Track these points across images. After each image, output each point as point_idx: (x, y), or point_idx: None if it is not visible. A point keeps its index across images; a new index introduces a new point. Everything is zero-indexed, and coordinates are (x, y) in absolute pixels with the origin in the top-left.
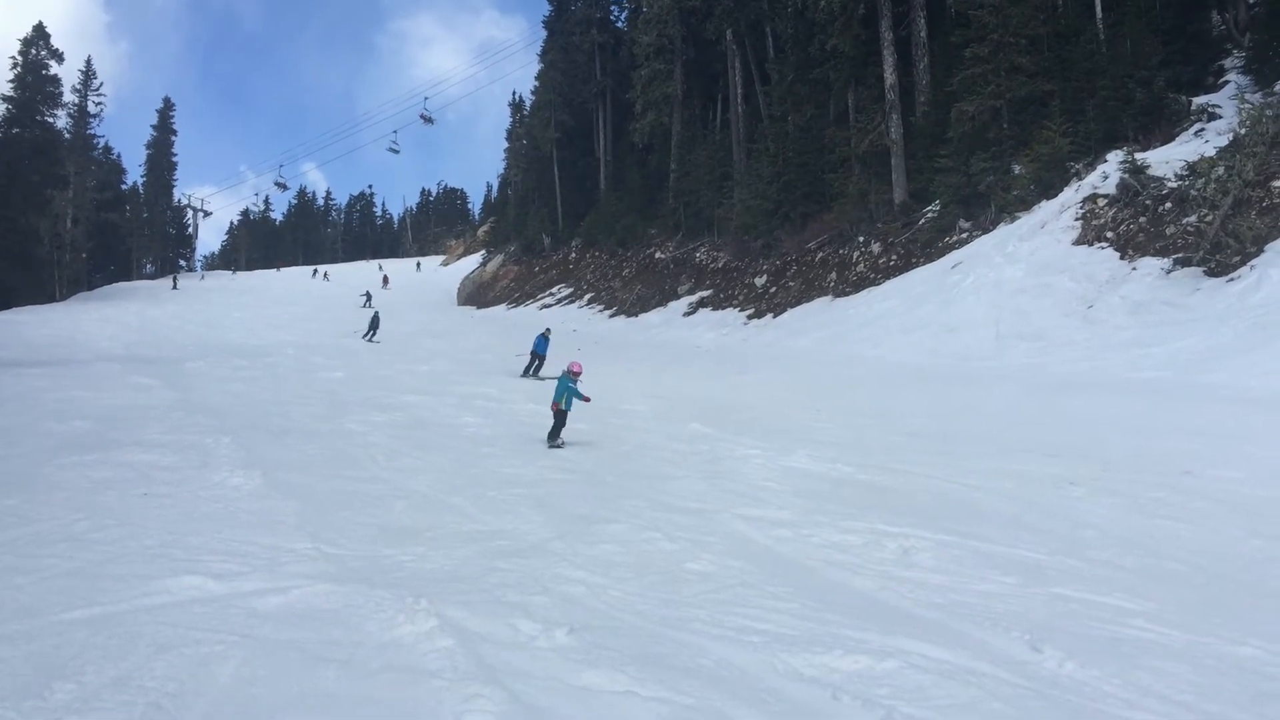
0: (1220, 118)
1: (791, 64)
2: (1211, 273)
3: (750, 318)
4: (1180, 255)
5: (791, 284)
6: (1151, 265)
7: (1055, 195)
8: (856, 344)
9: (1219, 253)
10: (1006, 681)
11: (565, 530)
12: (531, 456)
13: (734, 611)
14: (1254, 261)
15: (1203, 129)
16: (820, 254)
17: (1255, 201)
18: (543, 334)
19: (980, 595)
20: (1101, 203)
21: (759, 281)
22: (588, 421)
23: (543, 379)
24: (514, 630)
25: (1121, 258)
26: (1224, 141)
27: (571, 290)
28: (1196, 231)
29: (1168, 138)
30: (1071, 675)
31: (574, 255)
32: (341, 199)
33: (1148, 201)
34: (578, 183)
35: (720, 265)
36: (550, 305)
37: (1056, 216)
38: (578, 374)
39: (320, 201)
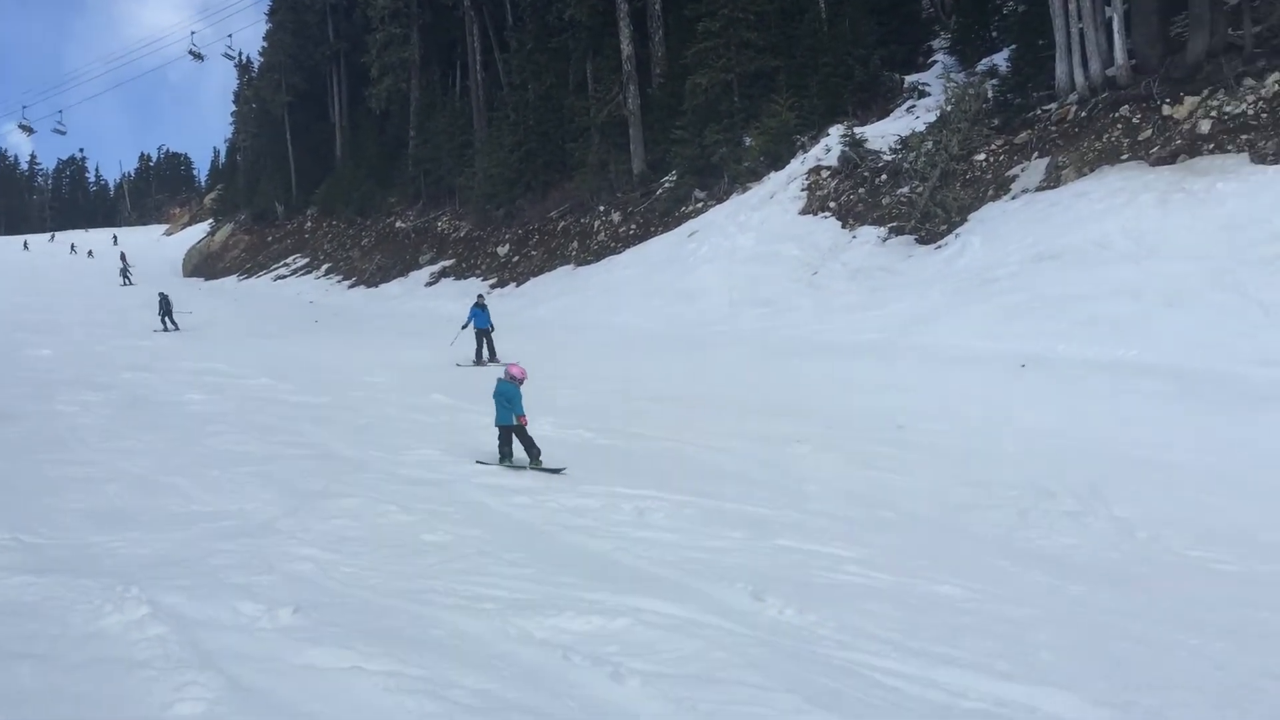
0: (929, 95)
1: (531, 32)
2: (922, 241)
3: (493, 287)
4: (895, 224)
5: (534, 253)
6: (870, 234)
7: (783, 167)
8: (598, 312)
9: (928, 222)
10: (730, 631)
11: (295, 507)
12: (263, 432)
13: (469, 580)
14: (958, 230)
15: (914, 105)
16: (562, 223)
17: (960, 174)
18: (478, 304)
19: (710, 551)
20: (825, 174)
21: (501, 251)
22: (325, 394)
23: (502, 363)
24: (235, 613)
25: (843, 227)
26: (933, 118)
27: (308, 260)
28: (909, 202)
29: (884, 113)
30: (790, 621)
31: (310, 224)
32: (49, 163)
33: (866, 173)
34: (312, 149)
35: (462, 234)
36: (285, 276)
37: (784, 187)
38: (521, 380)
39: (24, 165)
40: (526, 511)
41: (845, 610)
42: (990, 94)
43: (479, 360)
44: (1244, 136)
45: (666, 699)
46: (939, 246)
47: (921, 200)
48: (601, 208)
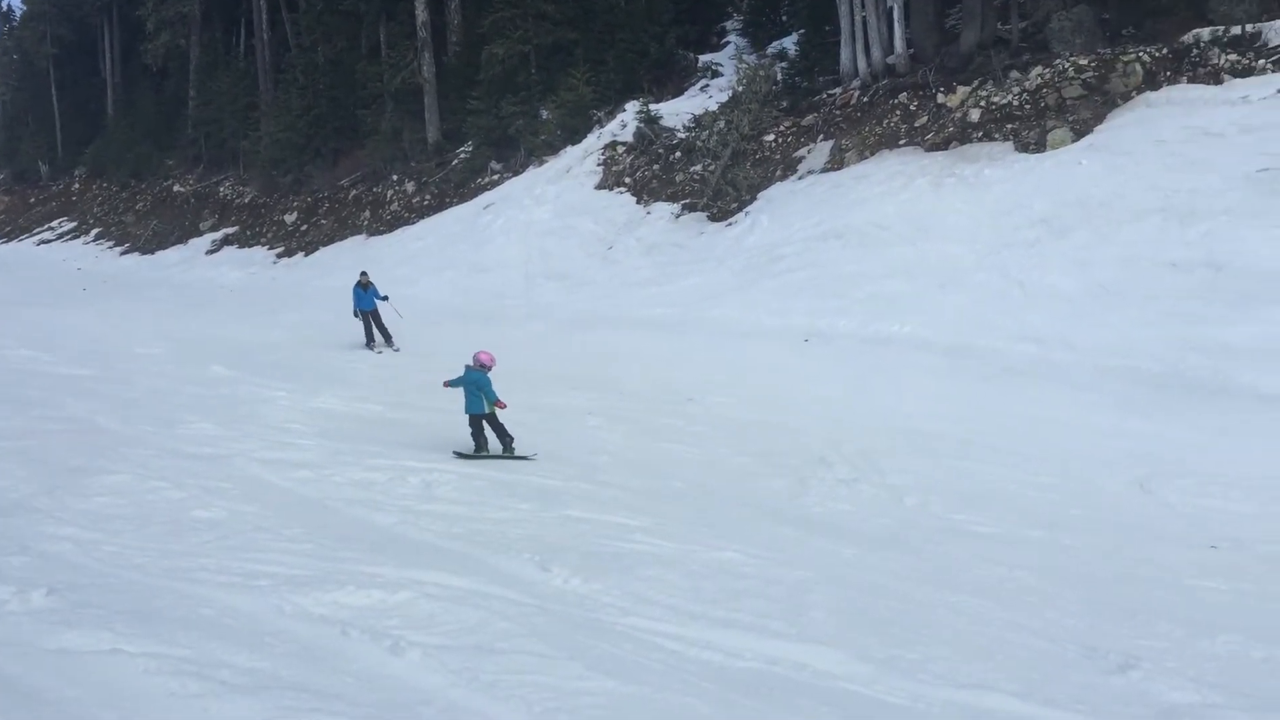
0: (722, 75)
1: None
2: (714, 218)
3: (280, 256)
4: (688, 201)
5: (324, 222)
6: (664, 210)
7: (580, 141)
8: (391, 283)
9: (720, 200)
10: (515, 601)
11: (54, 484)
12: (21, 406)
13: (244, 557)
14: (748, 208)
15: (708, 85)
16: (354, 192)
17: (750, 154)
18: (359, 283)
19: (497, 522)
20: (621, 150)
21: (289, 219)
22: (92, 366)
23: (397, 349)
24: None
25: (638, 202)
26: (725, 97)
27: (76, 224)
28: (701, 180)
29: (679, 91)
30: (575, 590)
31: (78, 186)
32: None
33: (660, 150)
34: (81, 106)
35: (247, 201)
36: (50, 240)
37: (581, 162)
38: (490, 366)
39: None
40: (308, 486)
41: (630, 578)
42: (780, 76)
43: (370, 344)
44: (1009, 126)
45: (447, 670)
46: (730, 224)
47: (714, 178)
48: (395, 177)
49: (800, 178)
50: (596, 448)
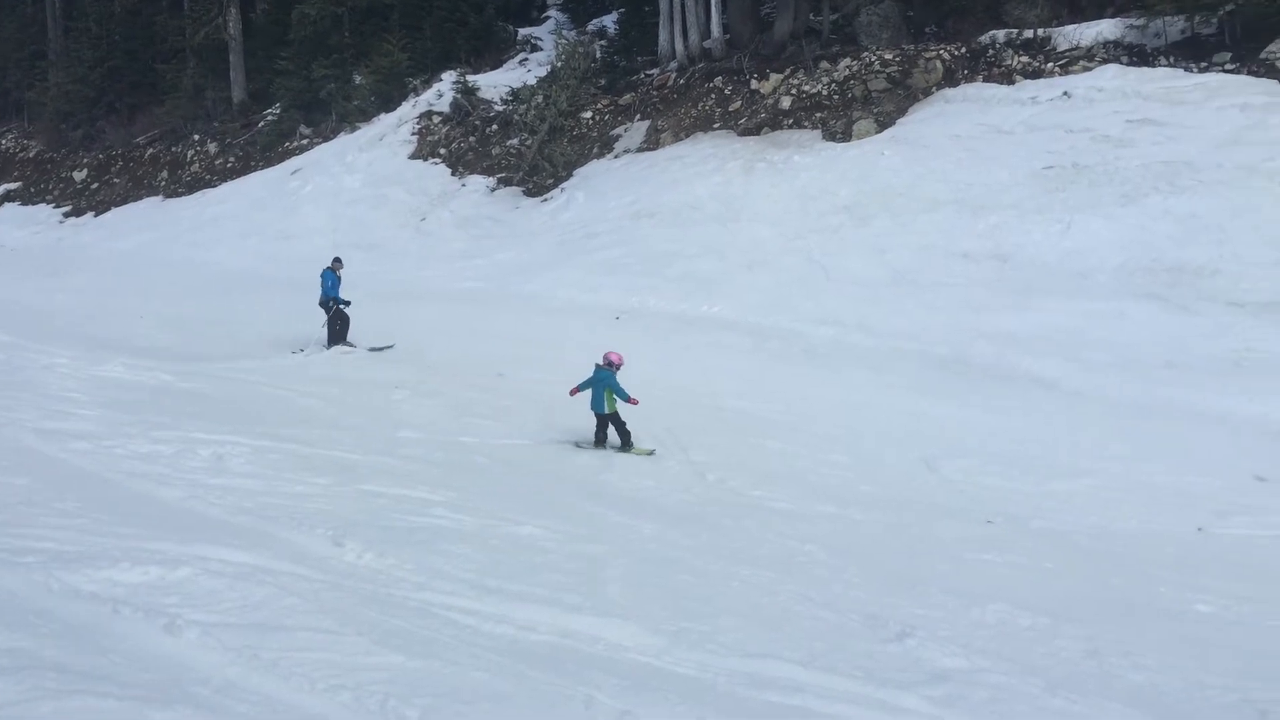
0: (541, 50)
1: None
2: (529, 193)
3: (68, 215)
4: (504, 175)
5: (117, 180)
6: (479, 183)
7: (394, 109)
8: (189, 248)
9: (536, 175)
10: (304, 577)
11: None
12: None
13: (11, 533)
14: (564, 184)
15: (526, 59)
16: (151, 150)
17: (568, 130)
18: (330, 267)
19: (291, 497)
20: (436, 120)
21: (79, 175)
22: None
23: (351, 346)
24: None
25: (453, 174)
26: (544, 72)
27: None
28: (518, 154)
29: (497, 63)
30: (369, 565)
31: None
32: None
33: (477, 122)
34: None
35: (32, 155)
36: None
37: (395, 130)
38: (619, 365)
39: None
40: (86, 458)
41: (427, 552)
42: (599, 54)
43: (335, 343)
44: (818, 114)
45: (226, 649)
46: (545, 200)
47: (530, 153)
48: (196, 137)
49: (617, 156)
50: (401, 421)
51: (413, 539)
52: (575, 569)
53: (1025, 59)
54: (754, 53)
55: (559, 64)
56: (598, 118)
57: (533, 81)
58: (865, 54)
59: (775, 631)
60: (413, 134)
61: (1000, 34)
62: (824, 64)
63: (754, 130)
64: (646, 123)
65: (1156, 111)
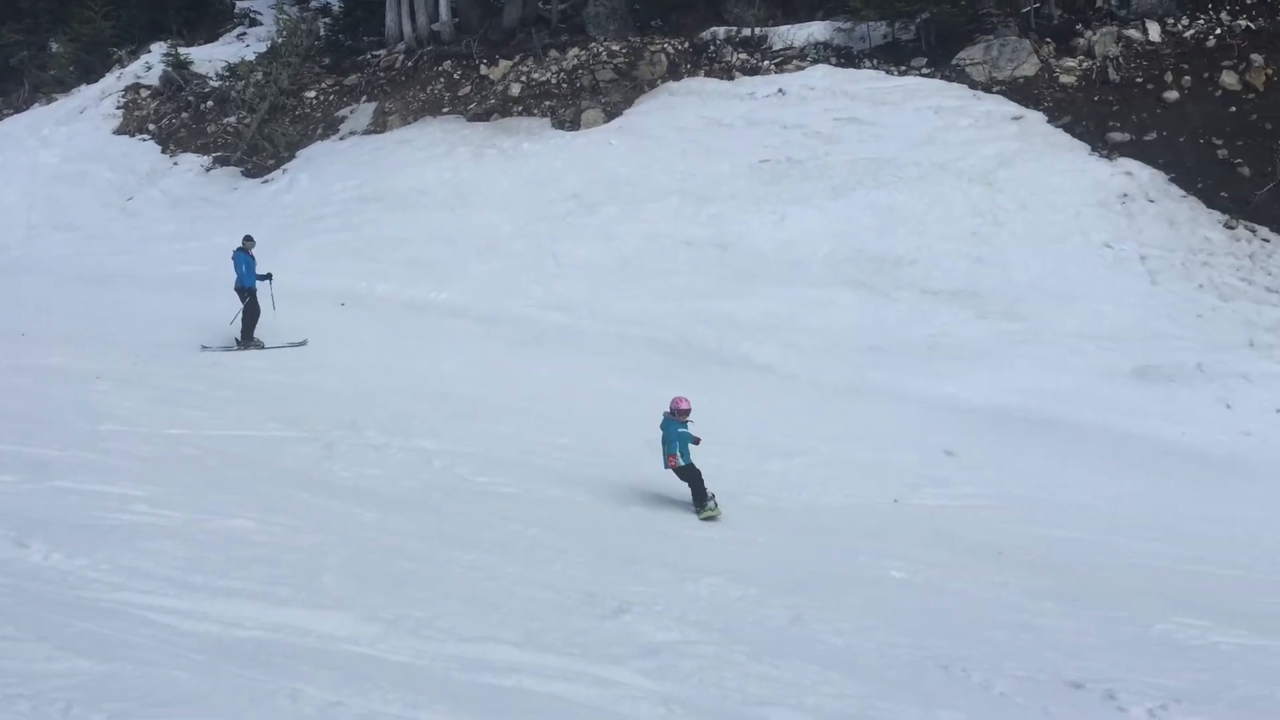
0: (261, 24)
1: None
2: (249, 173)
3: None
4: (220, 154)
5: None
6: (193, 161)
7: (96, 81)
8: None
9: (256, 155)
10: None
11: None
12: None
13: None
14: (287, 165)
15: (245, 33)
16: None
17: (290, 109)
18: (242, 248)
19: None
20: (144, 94)
21: None
22: None
23: (266, 347)
24: None
25: (163, 151)
26: (264, 48)
27: None
28: (236, 132)
29: (212, 36)
30: (57, 565)
31: None
32: None
33: (190, 98)
34: None
35: None
36: None
37: (97, 103)
38: (687, 412)
39: None
40: None
41: (124, 550)
42: (323, 32)
43: (245, 342)
44: (547, 103)
45: None
46: (266, 181)
47: (249, 132)
48: None
49: (342, 138)
50: (103, 414)
51: (110, 537)
52: (288, 561)
53: (744, 56)
54: (483, 38)
55: (280, 40)
56: (322, 98)
57: (252, 57)
58: (593, 44)
59: (494, 614)
60: (118, 108)
61: (721, 31)
62: (553, 53)
63: (484, 116)
64: (373, 105)
65: (862, 111)
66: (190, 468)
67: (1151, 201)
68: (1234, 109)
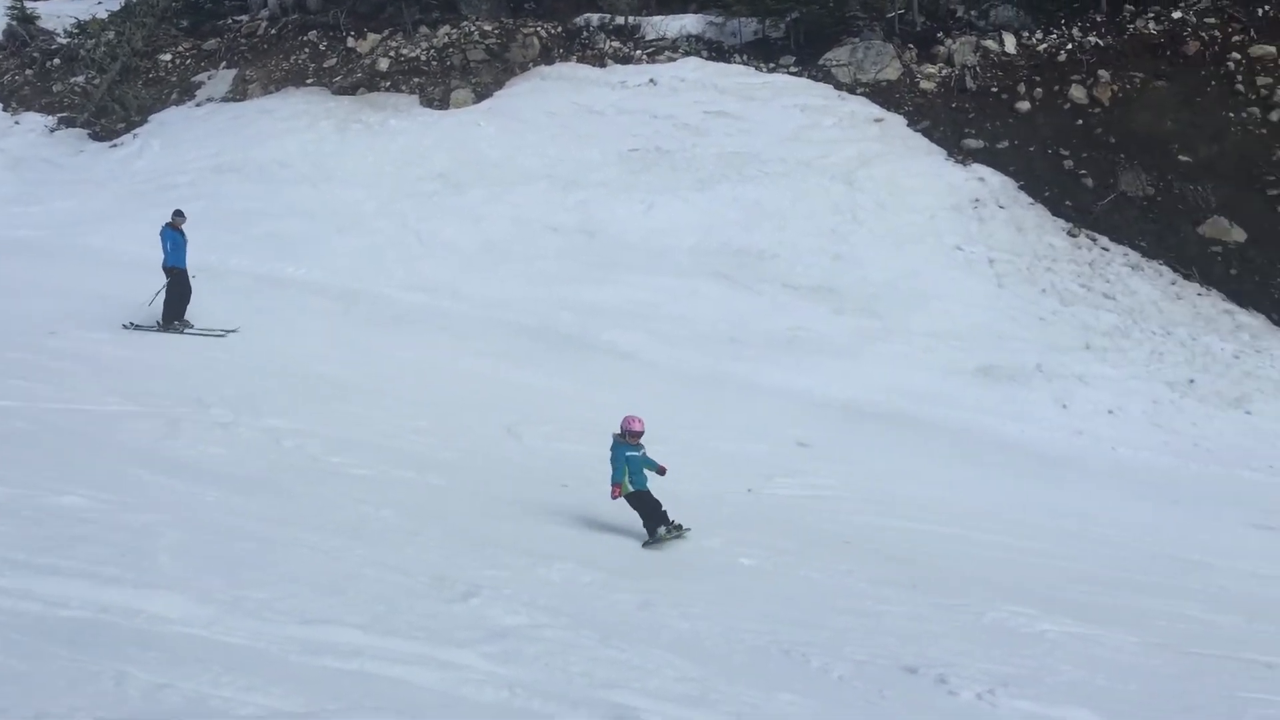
0: None
1: None
2: (97, 136)
3: None
4: (66, 115)
5: None
6: (36, 121)
7: None
8: None
9: (105, 117)
10: None
11: None
12: None
13: None
14: (138, 130)
15: None
16: None
17: (143, 71)
18: (171, 224)
19: None
20: None
21: None
22: None
23: (192, 329)
24: None
25: (4, 109)
26: (116, 6)
27: None
28: (84, 93)
29: None
30: None
31: None
32: None
33: (36, 54)
34: None
35: None
36: None
37: None
38: (639, 434)
39: None
40: None
41: None
42: None
43: (170, 322)
44: (416, 79)
45: None
46: (115, 145)
47: (98, 93)
48: None
49: (199, 104)
50: None
51: None
52: (120, 540)
53: (617, 44)
54: (351, 9)
55: None
56: (178, 61)
57: (104, 15)
58: (465, 23)
59: (339, 597)
60: None
61: (595, 18)
62: (424, 29)
63: (349, 90)
64: (234, 71)
65: (731, 105)
66: (20, 442)
67: (1001, 207)
68: (1080, 122)
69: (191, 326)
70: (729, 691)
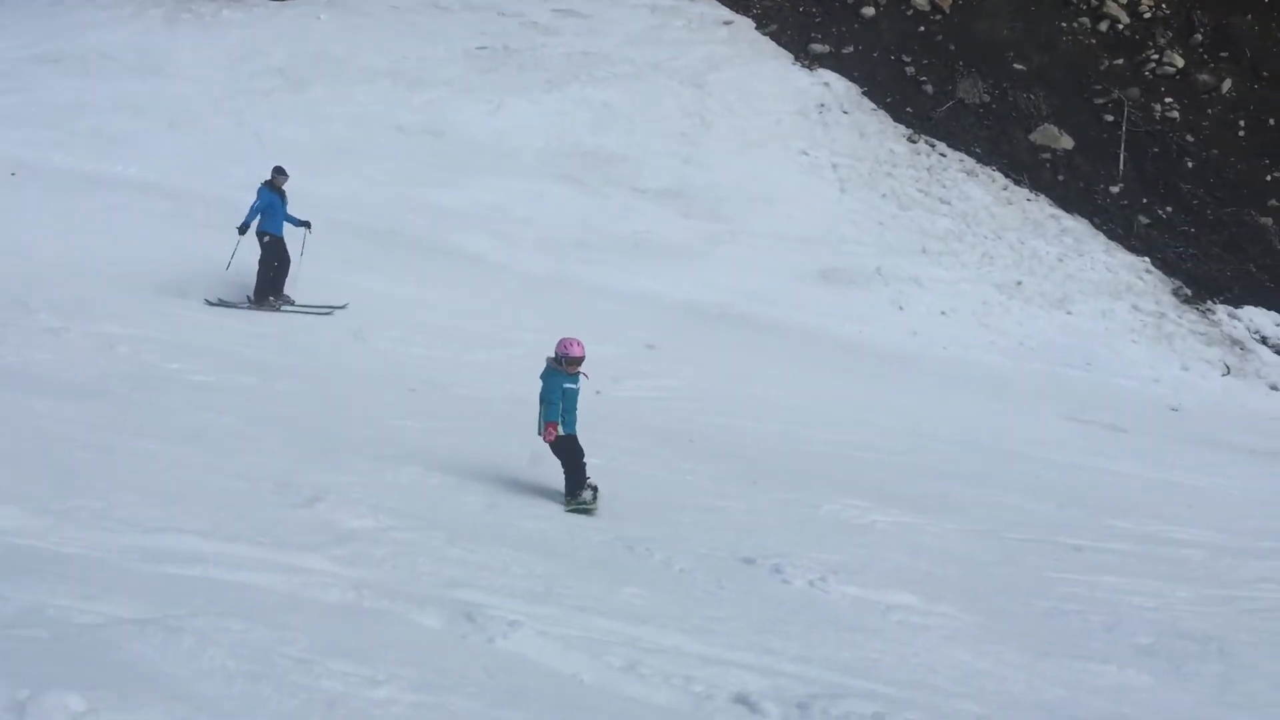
0: None
1: None
2: None
3: None
4: None
5: None
6: None
7: None
8: None
9: None
10: None
11: None
12: None
13: None
14: None
15: None
16: None
17: None
18: (269, 182)
19: None
20: None
21: None
22: None
23: (297, 307)
24: None
25: None
26: None
27: None
28: None
29: None
30: None
31: None
32: None
33: None
34: None
35: None
36: None
37: None
38: (579, 360)
39: None
40: None
41: None
42: None
43: (264, 297)
44: None
45: None
46: None
47: None
48: None
49: None
50: None
51: None
52: None
53: None
54: None
55: None
56: None
57: None
58: None
59: (178, 505)
60: None
61: None
62: None
63: None
64: None
65: (579, 4)
66: None
67: (845, 113)
68: (923, 28)
69: (291, 303)
70: (574, 586)
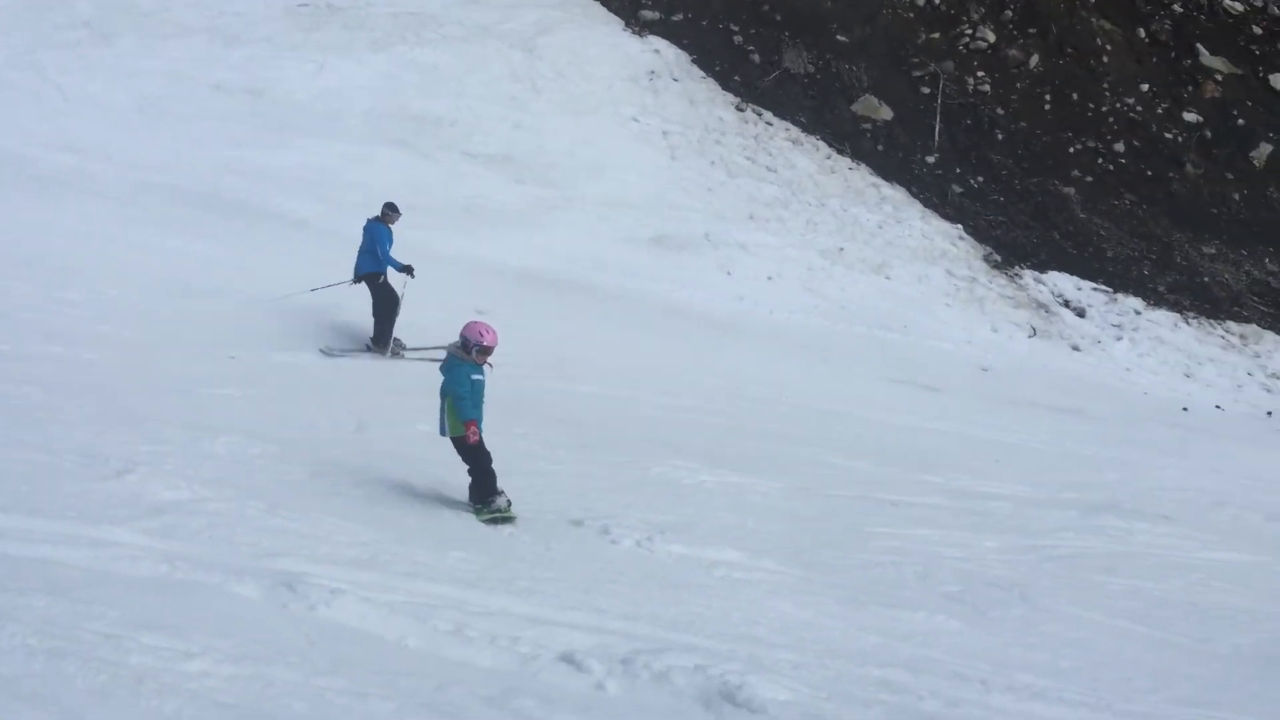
0: None
1: None
2: None
3: None
4: None
5: None
6: None
7: None
8: None
9: None
10: None
11: None
12: None
13: None
14: None
15: None
16: None
17: None
18: (379, 217)
19: None
20: None
21: None
22: None
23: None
24: None
25: None
26: None
27: None
28: None
29: None
30: None
31: None
32: None
33: None
34: None
35: None
36: None
37: None
38: (491, 349)
39: None
40: None
41: None
42: None
43: (380, 344)
44: None
45: None
46: None
47: None
48: None
49: None
50: None
51: None
52: None
53: None
54: None
55: None
56: None
57: None
58: None
59: None
60: None
61: None
62: None
63: None
64: None
65: None
66: None
67: (675, 80)
68: None
69: (405, 348)
70: (400, 552)
